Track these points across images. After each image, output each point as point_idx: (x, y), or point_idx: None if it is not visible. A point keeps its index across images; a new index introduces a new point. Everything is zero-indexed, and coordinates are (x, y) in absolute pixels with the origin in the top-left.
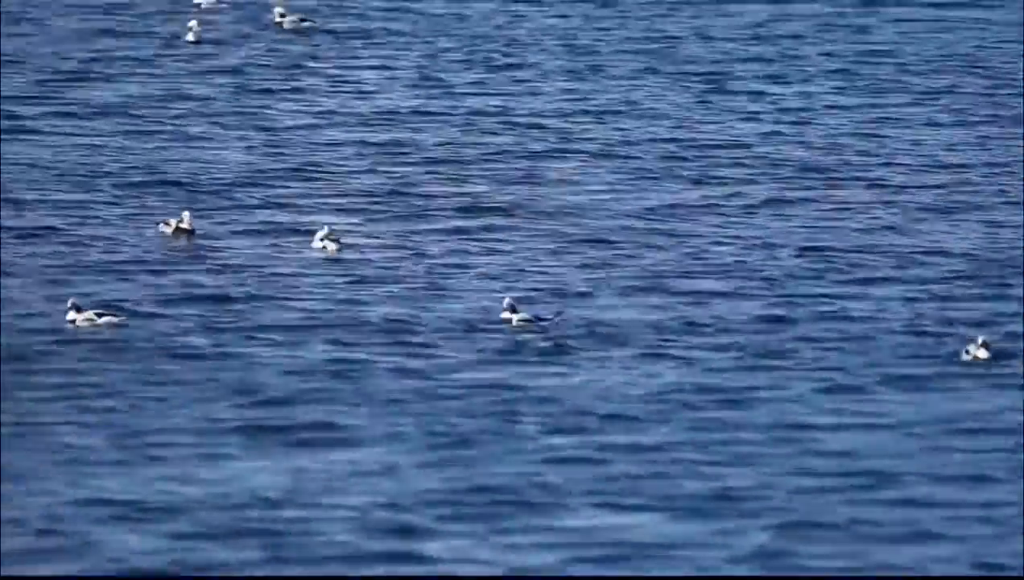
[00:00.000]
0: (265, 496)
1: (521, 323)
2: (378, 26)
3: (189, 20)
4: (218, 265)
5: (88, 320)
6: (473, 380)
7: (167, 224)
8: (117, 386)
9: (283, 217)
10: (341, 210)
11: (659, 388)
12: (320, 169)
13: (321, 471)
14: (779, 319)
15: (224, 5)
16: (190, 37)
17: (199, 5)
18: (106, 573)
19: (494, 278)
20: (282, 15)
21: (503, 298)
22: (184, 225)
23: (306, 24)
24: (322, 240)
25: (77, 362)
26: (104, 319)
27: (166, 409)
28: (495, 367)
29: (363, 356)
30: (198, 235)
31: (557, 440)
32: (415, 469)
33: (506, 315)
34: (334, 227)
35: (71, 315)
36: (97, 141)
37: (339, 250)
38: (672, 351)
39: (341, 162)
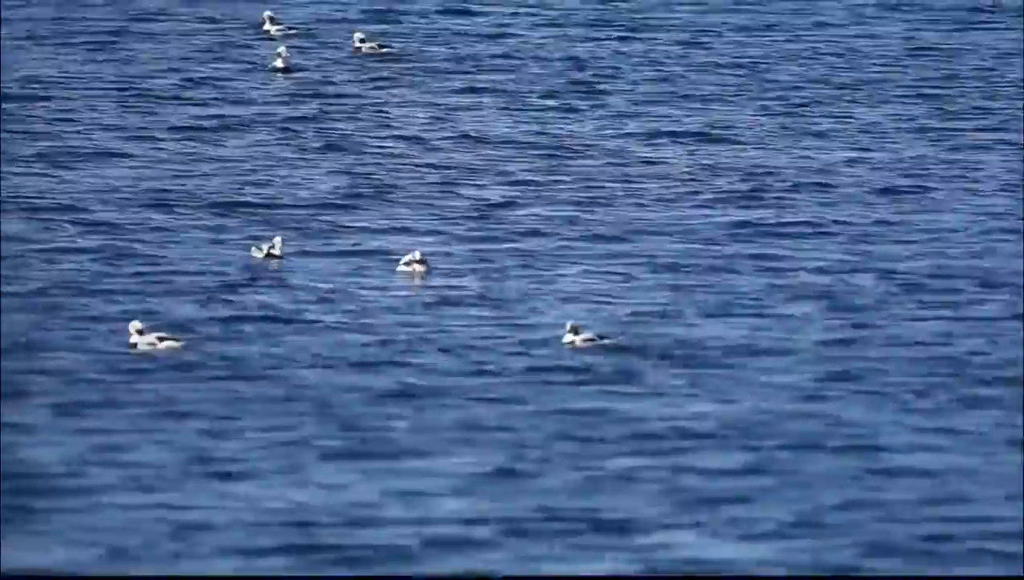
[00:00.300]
0: (338, 516)
1: (584, 343)
2: (459, 52)
3: (277, 47)
4: (299, 287)
5: (150, 344)
6: (548, 402)
7: (259, 249)
8: (193, 407)
9: (367, 240)
10: (425, 233)
11: (735, 411)
12: (404, 192)
13: (394, 492)
14: (857, 342)
15: (293, 32)
16: (278, 63)
17: (269, 32)
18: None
19: (576, 301)
20: (361, 40)
21: (568, 321)
22: (275, 251)
23: (385, 50)
24: (407, 263)
25: (152, 383)
26: (165, 343)
27: (241, 430)
28: (569, 389)
29: (438, 378)
30: (282, 257)
31: (631, 462)
32: (488, 490)
33: (569, 338)
34: (418, 250)
35: (133, 338)
36: (179, 164)
37: (425, 273)
38: (748, 374)
39: (425, 185)
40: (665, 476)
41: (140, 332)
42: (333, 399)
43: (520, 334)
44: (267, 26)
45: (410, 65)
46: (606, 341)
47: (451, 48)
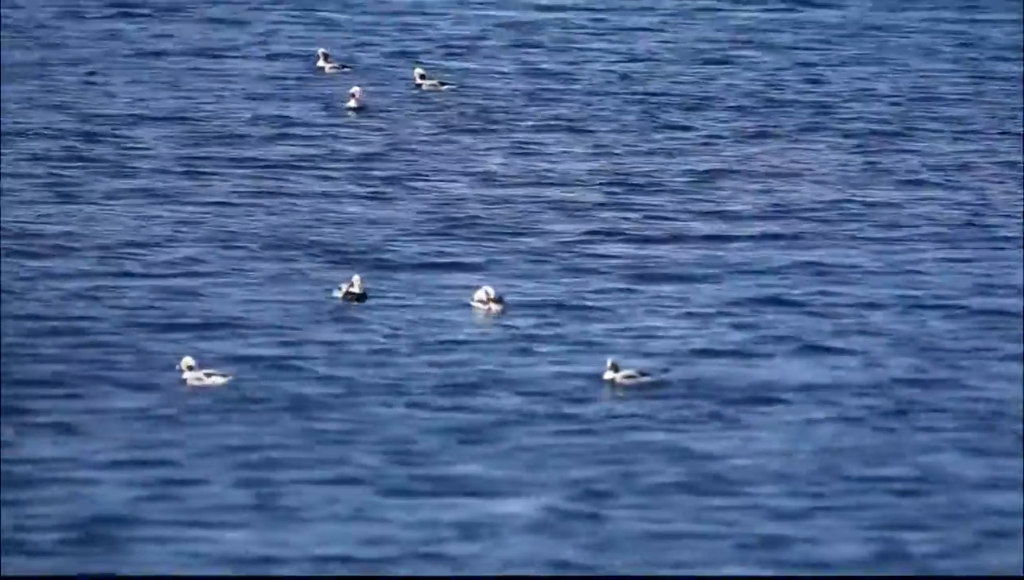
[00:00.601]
0: (408, 549)
1: (625, 379)
2: (521, 88)
3: (351, 87)
4: (369, 324)
5: (198, 379)
6: (619, 438)
7: (339, 289)
8: (255, 442)
9: (441, 278)
10: (497, 270)
11: (807, 447)
12: (477, 229)
13: (464, 525)
14: (935, 378)
15: (347, 70)
16: (352, 104)
17: (323, 69)
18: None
19: (649, 337)
20: (422, 76)
21: (609, 358)
22: (355, 289)
23: (445, 87)
24: (480, 300)
25: (214, 420)
26: (212, 378)
27: (310, 463)
28: (640, 424)
29: (507, 415)
30: (363, 296)
31: (699, 499)
32: (559, 524)
33: (609, 374)
34: (491, 287)
35: (185, 374)
36: (252, 201)
37: (498, 311)
38: (819, 411)
39: (498, 222)
40: (734, 518)
41: (191, 367)
42: (399, 435)
43: (588, 370)
44: (321, 63)
45: (472, 101)
46: (647, 378)
47: (509, 83)
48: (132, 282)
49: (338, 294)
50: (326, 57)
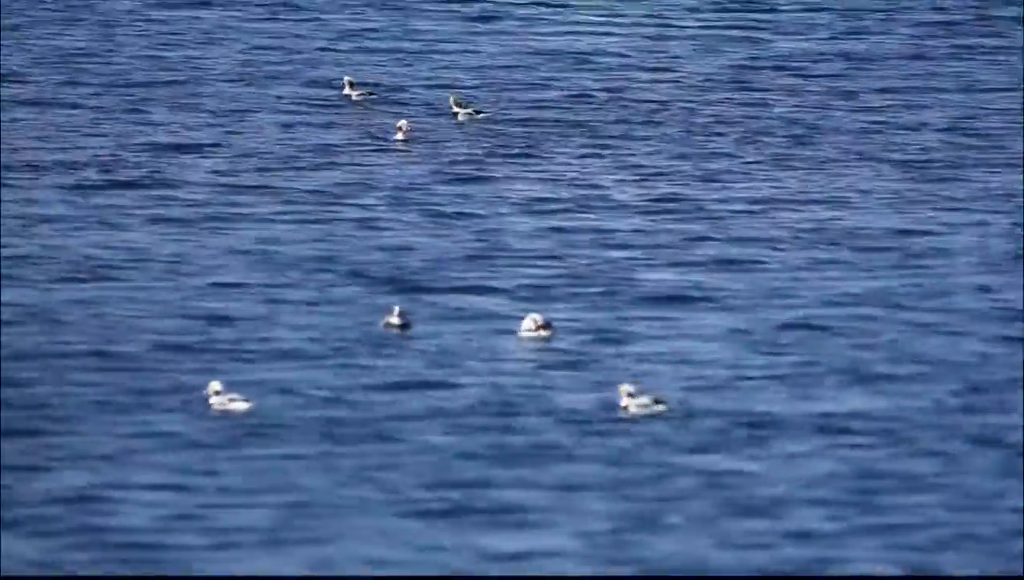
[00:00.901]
0: (450, 576)
1: (640, 408)
2: (558, 114)
3: (399, 120)
4: (416, 352)
5: (222, 403)
6: (661, 463)
7: (386, 317)
8: (298, 467)
9: (485, 303)
10: (542, 296)
11: (846, 471)
12: (524, 256)
13: (507, 553)
14: (977, 405)
15: (373, 96)
16: (399, 136)
17: (349, 96)
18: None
19: (691, 364)
20: (458, 104)
21: (622, 385)
22: (393, 319)
23: (481, 115)
24: (530, 329)
25: (245, 446)
26: (235, 404)
27: (351, 491)
28: (681, 449)
29: (554, 440)
30: (406, 326)
31: (741, 524)
32: (603, 551)
33: (624, 402)
34: (539, 314)
35: (211, 399)
36: (296, 226)
37: (548, 336)
38: (858, 437)
39: (545, 249)
40: (771, 540)
41: (217, 393)
42: (438, 461)
43: (632, 398)
44: (347, 90)
45: (508, 127)
46: (661, 406)
47: (548, 110)
48: (171, 308)
49: (386, 321)
50: (352, 85)
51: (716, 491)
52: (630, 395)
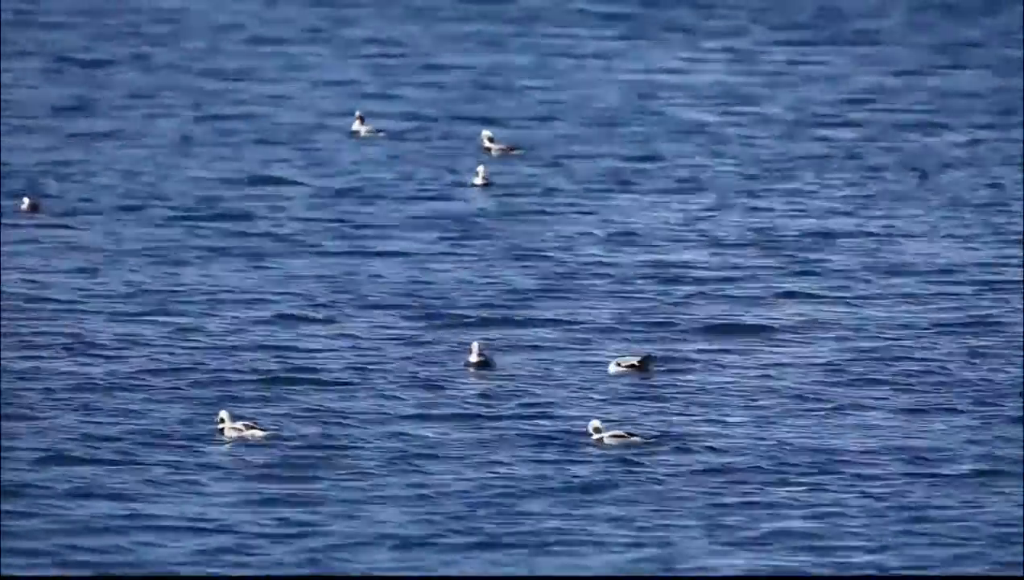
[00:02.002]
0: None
1: (612, 439)
2: (589, 150)
3: (478, 165)
4: (490, 383)
5: (235, 429)
6: (705, 499)
7: (470, 355)
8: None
9: (561, 337)
10: (617, 331)
11: (896, 505)
12: (596, 292)
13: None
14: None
15: (382, 134)
16: (477, 181)
17: (357, 133)
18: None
19: (764, 393)
20: (491, 140)
21: (592, 420)
22: (473, 358)
23: (515, 152)
24: (619, 364)
25: (325, 472)
26: (250, 431)
27: (402, 513)
28: (725, 487)
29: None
30: (488, 363)
31: (784, 555)
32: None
33: (595, 436)
34: (629, 349)
35: (222, 426)
36: (363, 262)
37: (640, 370)
38: (912, 468)
39: (614, 284)
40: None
41: (223, 420)
42: (475, 493)
43: (711, 428)
44: (356, 126)
45: (545, 163)
46: (635, 438)
47: (574, 143)
48: (238, 340)
49: (471, 358)
50: (361, 120)
51: (765, 521)
52: (597, 430)
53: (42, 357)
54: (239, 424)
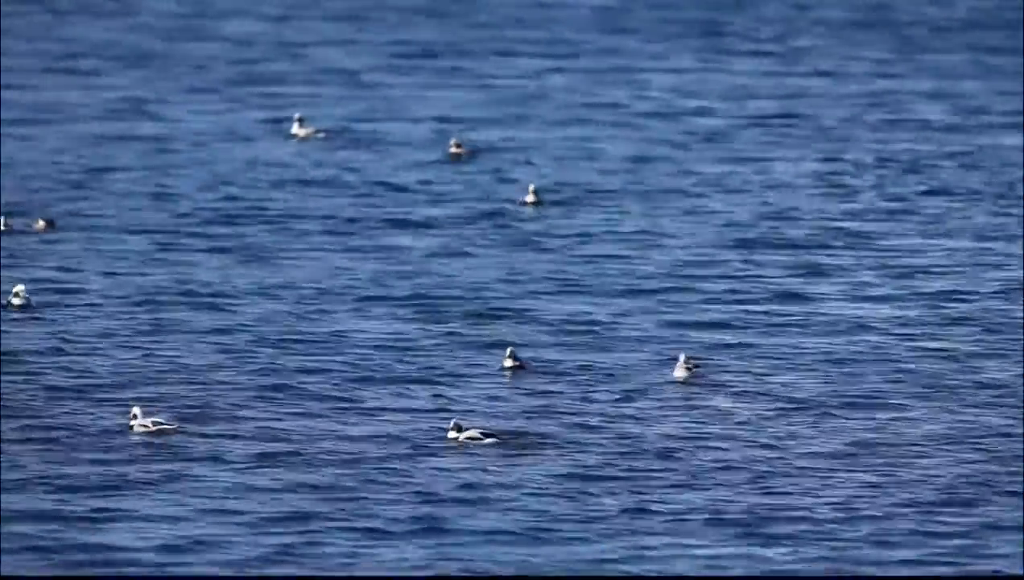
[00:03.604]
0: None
1: (468, 440)
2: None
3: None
4: (526, 387)
5: (143, 425)
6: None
7: (505, 360)
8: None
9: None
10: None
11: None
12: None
13: None
14: None
15: (321, 135)
16: (529, 199)
17: (297, 135)
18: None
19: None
20: (458, 145)
21: (452, 419)
22: (508, 362)
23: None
24: (683, 368)
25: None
26: (158, 427)
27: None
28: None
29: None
30: (521, 366)
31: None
32: None
33: (452, 434)
34: (687, 353)
35: (132, 422)
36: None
37: (692, 375)
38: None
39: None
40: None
41: (135, 416)
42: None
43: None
44: (295, 129)
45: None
46: (491, 439)
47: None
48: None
49: (506, 363)
50: (300, 122)
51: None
52: (458, 428)
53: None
54: (149, 420)
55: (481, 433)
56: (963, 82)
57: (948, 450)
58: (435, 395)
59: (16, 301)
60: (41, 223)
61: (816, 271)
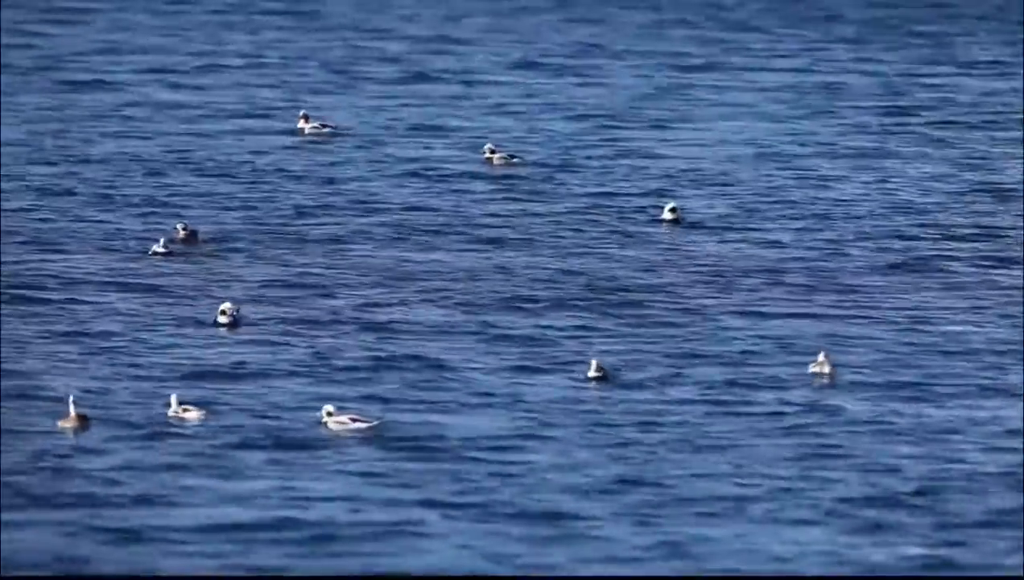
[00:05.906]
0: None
1: (336, 425)
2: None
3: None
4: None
5: (340, 423)
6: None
7: (589, 370)
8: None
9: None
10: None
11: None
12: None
13: None
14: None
15: (327, 129)
16: (667, 216)
17: (303, 131)
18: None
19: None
20: (492, 151)
21: (326, 406)
22: (592, 372)
23: (515, 160)
24: (819, 363)
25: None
26: (356, 424)
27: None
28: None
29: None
30: (606, 377)
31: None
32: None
33: (324, 419)
34: (822, 354)
35: (325, 418)
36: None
37: (830, 377)
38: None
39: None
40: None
41: (330, 414)
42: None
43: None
44: (301, 124)
45: (537, 174)
46: (361, 425)
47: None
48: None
49: (590, 374)
50: (306, 118)
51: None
52: (329, 414)
53: None
54: (345, 417)
55: (350, 418)
56: None
57: None
58: None
59: (223, 319)
60: (181, 232)
61: None
